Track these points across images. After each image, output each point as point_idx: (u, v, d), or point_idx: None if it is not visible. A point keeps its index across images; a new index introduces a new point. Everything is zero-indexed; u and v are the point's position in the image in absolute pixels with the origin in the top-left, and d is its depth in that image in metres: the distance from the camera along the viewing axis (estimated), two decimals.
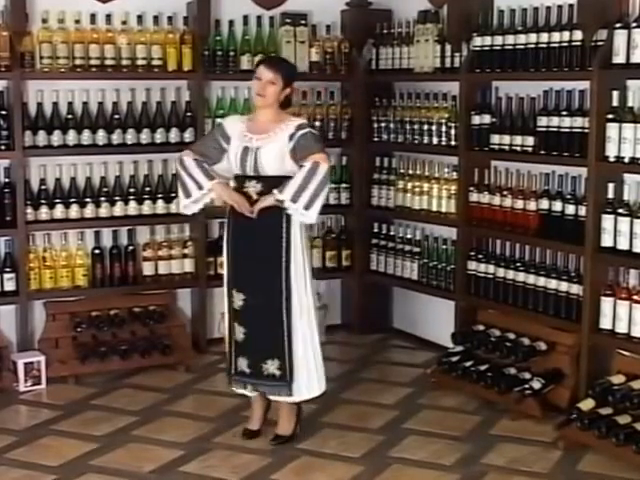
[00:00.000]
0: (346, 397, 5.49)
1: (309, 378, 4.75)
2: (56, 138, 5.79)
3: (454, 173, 5.91)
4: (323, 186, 4.55)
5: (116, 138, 5.93)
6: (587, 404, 4.70)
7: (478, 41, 5.62)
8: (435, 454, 4.70)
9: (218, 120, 5.85)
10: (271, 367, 4.70)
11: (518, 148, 5.41)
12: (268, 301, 4.67)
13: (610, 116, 4.83)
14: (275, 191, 4.56)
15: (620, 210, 4.81)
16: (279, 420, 4.85)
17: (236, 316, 4.76)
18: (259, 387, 4.78)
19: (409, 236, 6.36)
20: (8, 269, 5.74)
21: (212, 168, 4.74)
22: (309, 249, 4.85)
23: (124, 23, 5.96)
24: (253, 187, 4.65)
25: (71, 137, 5.82)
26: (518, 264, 5.47)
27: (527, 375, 5.17)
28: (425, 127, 6.08)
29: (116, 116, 5.96)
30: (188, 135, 6.09)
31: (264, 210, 4.59)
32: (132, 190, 6.05)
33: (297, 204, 4.52)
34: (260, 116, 4.73)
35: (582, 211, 5.02)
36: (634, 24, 4.71)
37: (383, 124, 6.44)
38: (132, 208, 6.03)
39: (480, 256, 5.73)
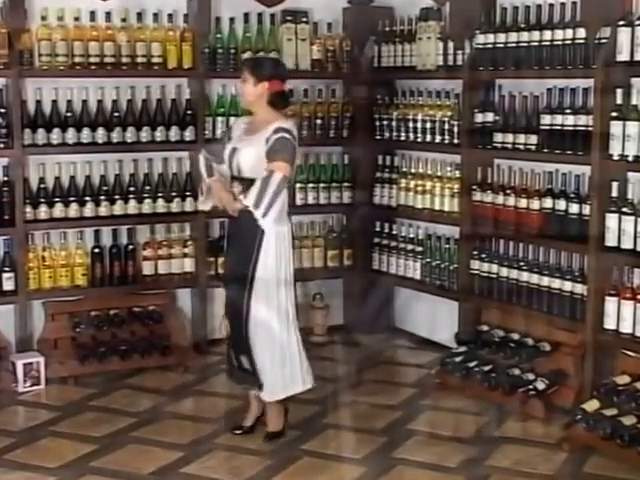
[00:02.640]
0: (348, 398, 5.45)
1: (283, 377, 4.72)
2: (55, 136, 5.75)
3: (457, 171, 5.87)
4: (276, 196, 4.53)
5: (116, 136, 5.89)
6: (592, 405, 4.67)
7: (481, 39, 5.59)
8: (439, 456, 4.67)
9: None
10: (245, 362, 4.75)
11: (521, 146, 5.38)
12: (235, 301, 4.74)
13: (614, 114, 4.80)
14: (241, 196, 4.61)
15: (624, 209, 4.78)
16: (267, 418, 4.86)
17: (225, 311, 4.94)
18: (242, 380, 4.84)
19: (412, 235, 6.31)
20: (7, 268, 5.71)
21: (218, 167, 4.81)
22: (289, 258, 4.72)
23: (124, 20, 5.92)
24: (236, 187, 4.70)
25: (70, 135, 5.78)
26: (522, 263, 5.44)
27: (531, 376, 5.14)
28: (428, 125, 6.04)
29: (116, 114, 5.92)
30: (188, 133, 6.05)
31: (247, 213, 4.59)
32: (132, 189, 6.01)
33: (258, 210, 4.54)
34: (255, 117, 4.78)
35: (586, 210, 5.00)
36: (638, 22, 4.69)
37: (385, 122, 6.40)
38: (132, 207, 5.99)
39: (483, 255, 5.69)
